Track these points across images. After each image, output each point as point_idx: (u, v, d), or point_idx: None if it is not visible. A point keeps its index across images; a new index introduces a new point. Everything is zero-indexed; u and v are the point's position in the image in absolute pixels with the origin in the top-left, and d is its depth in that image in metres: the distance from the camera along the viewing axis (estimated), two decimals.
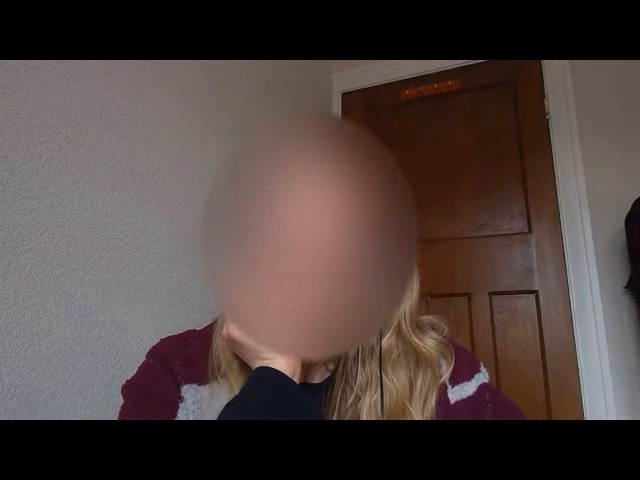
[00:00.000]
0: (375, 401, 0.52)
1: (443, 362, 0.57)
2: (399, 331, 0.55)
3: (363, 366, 0.54)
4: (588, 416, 1.34)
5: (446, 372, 0.57)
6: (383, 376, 0.53)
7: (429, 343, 0.56)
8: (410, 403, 0.54)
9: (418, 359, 0.56)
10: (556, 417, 1.38)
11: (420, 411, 0.53)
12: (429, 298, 1.59)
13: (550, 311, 1.46)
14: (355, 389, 0.54)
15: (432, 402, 0.55)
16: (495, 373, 1.47)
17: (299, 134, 0.32)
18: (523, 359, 1.46)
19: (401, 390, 0.54)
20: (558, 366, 1.42)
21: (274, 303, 0.32)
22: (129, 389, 0.53)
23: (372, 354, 0.54)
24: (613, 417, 1.31)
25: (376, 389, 0.53)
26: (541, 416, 1.40)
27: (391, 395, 0.53)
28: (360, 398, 0.53)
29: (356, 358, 0.55)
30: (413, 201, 0.32)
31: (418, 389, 0.55)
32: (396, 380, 0.54)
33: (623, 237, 1.28)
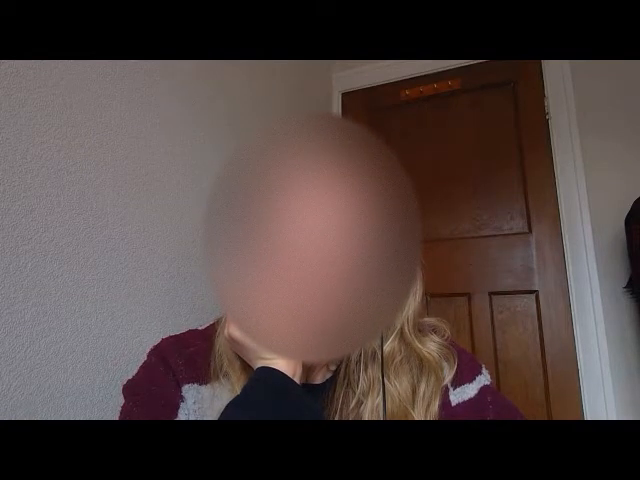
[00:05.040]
0: (377, 405, 0.52)
1: (445, 365, 0.57)
2: (402, 335, 0.55)
3: (365, 370, 0.54)
4: (588, 416, 1.34)
5: (448, 375, 0.56)
6: (385, 381, 0.53)
7: (432, 347, 0.56)
8: (412, 408, 0.53)
9: (421, 364, 0.56)
10: (556, 417, 1.38)
11: (423, 416, 0.53)
12: (429, 298, 1.59)
13: (550, 311, 1.46)
14: (357, 393, 0.54)
15: (435, 407, 0.54)
16: (495, 373, 1.47)
17: (302, 134, 0.32)
18: (523, 359, 1.46)
19: (403, 395, 0.53)
20: (558, 366, 1.42)
21: (275, 305, 0.32)
22: (130, 389, 0.53)
23: (374, 358, 0.54)
24: (613, 417, 1.31)
25: (378, 393, 0.53)
26: (541, 416, 1.40)
27: (393, 400, 0.53)
28: (362, 402, 0.53)
29: (358, 362, 0.55)
30: (416, 201, 0.31)
31: (421, 394, 0.54)
32: (398, 385, 0.54)
33: (623, 237, 1.28)
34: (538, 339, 1.46)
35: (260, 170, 0.31)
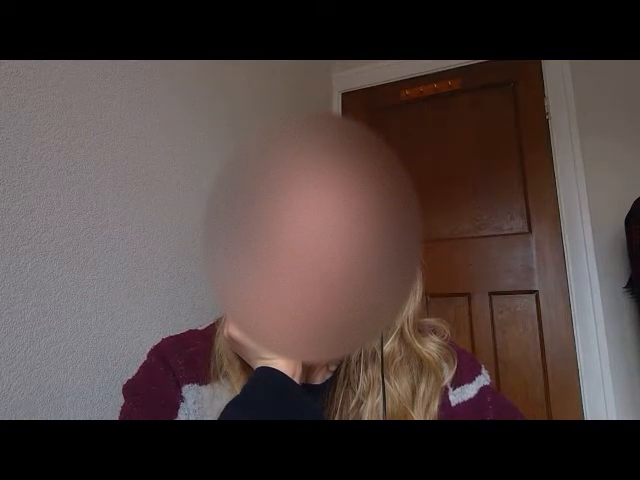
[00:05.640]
0: (377, 405, 0.52)
1: (445, 365, 0.57)
2: (402, 336, 0.55)
3: (365, 370, 0.54)
4: (588, 416, 1.34)
5: (448, 376, 0.56)
6: (385, 381, 0.53)
7: (431, 347, 0.56)
8: (412, 408, 0.53)
9: (421, 364, 0.56)
10: (556, 417, 1.38)
11: (422, 416, 0.53)
12: (429, 298, 1.59)
13: (550, 311, 1.46)
14: (357, 393, 0.54)
15: (434, 407, 0.54)
16: (495, 373, 1.47)
17: (302, 134, 0.32)
18: (523, 359, 1.46)
19: (403, 395, 0.53)
20: (558, 366, 1.42)
21: (275, 305, 0.32)
22: (130, 389, 0.53)
23: (374, 359, 0.54)
24: (613, 417, 1.31)
25: (378, 393, 0.53)
26: (541, 416, 1.40)
27: (393, 400, 0.53)
28: (362, 402, 0.53)
29: (358, 362, 0.55)
30: (418, 201, 0.31)
31: (421, 395, 0.54)
32: (398, 385, 0.54)
33: (623, 237, 1.28)
34: (538, 339, 1.46)
35: (260, 170, 0.31)
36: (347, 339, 0.34)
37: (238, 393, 0.46)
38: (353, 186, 0.30)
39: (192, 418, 0.52)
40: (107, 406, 0.69)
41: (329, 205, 0.30)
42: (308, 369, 0.55)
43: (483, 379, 0.58)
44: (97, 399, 0.68)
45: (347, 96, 1.89)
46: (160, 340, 0.57)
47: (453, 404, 0.56)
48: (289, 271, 0.31)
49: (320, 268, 0.30)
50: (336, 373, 0.56)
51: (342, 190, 0.30)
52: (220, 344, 0.54)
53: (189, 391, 0.53)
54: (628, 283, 1.29)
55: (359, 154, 0.31)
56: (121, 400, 0.53)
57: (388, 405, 0.52)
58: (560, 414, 1.38)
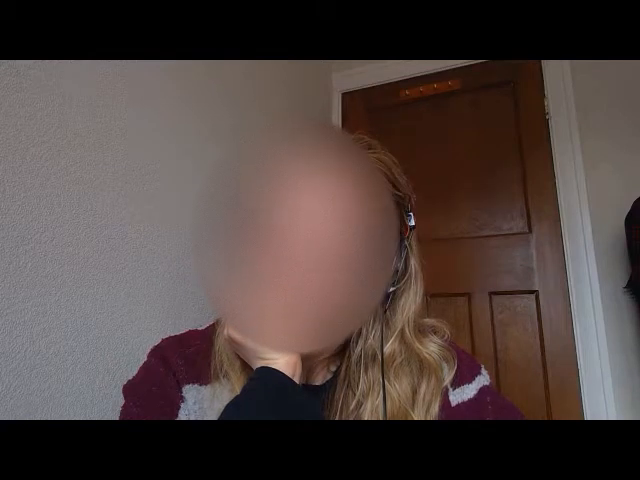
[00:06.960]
0: (377, 406, 0.52)
1: (445, 366, 0.57)
2: (402, 337, 0.55)
3: (365, 371, 0.54)
4: (588, 416, 1.34)
5: (448, 376, 0.57)
6: (385, 382, 0.53)
7: (432, 348, 0.56)
8: (413, 409, 0.53)
9: (421, 366, 0.56)
10: (556, 417, 1.38)
11: (423, 417, 0.53)
12: (429, 298, 1.59)
13: (550, 311, 1.46)
14: (357, 394, 0.54)
15: (435, 408, 0.54)
16: (495, 373, 1.47)
17: (295, 139, 0.33)
18: (523, 359, 1.46)
19: (403, 397, 0.54)
20: (558, 366, 1.42)
21: (269, 303, 0.32)
22: (130, 389, 0.53)
23: (374, 360, 0.54)
24: (613, 417, 1.31)
25: (378, 395, 0.53)
26: (541, 416, 1.40)
27: (393, 401, 0.53)
28: (362, 403, 0.53)
29: (358, 363, 0.55)
30: (391, 199, 0.34)
31: (421, 396, 0.54)
32: (398, 387, 0.54)
33: (623, 237, 1.28)
34: (538, 339, 1.46)
35: (253, 174, 0.32)
36: (337, 325, 0.35)
37: (238, 393, 0.46)
38: (339, 191, 0.32)
39: (192, 418, 0.52)
40: (107, 406, 0.69)
41: (319, 207, 0.31)
42: (308, 370, 0.55)
43: (483, 379, 0.59)
44: (97, 399, 0.68)
45: (347, 96, 1.89)
46: (160, 340, 0.57)
47: (453, 404, 0.56)
48: (283, 269, 0.31)
49: (310, 266, 0.31)
50: (336, 374, 0.56)
51: (329, 194, 0.31)
52: (220, 344, 0.54)
53: (189, 391, 0.53)
54: (628, 283, 1.29)
55: (342, 161, 0.33)
56: (121, 400, 0.53)
57: (388, 406, 0.52)
58: (560, 414, 1.38)
